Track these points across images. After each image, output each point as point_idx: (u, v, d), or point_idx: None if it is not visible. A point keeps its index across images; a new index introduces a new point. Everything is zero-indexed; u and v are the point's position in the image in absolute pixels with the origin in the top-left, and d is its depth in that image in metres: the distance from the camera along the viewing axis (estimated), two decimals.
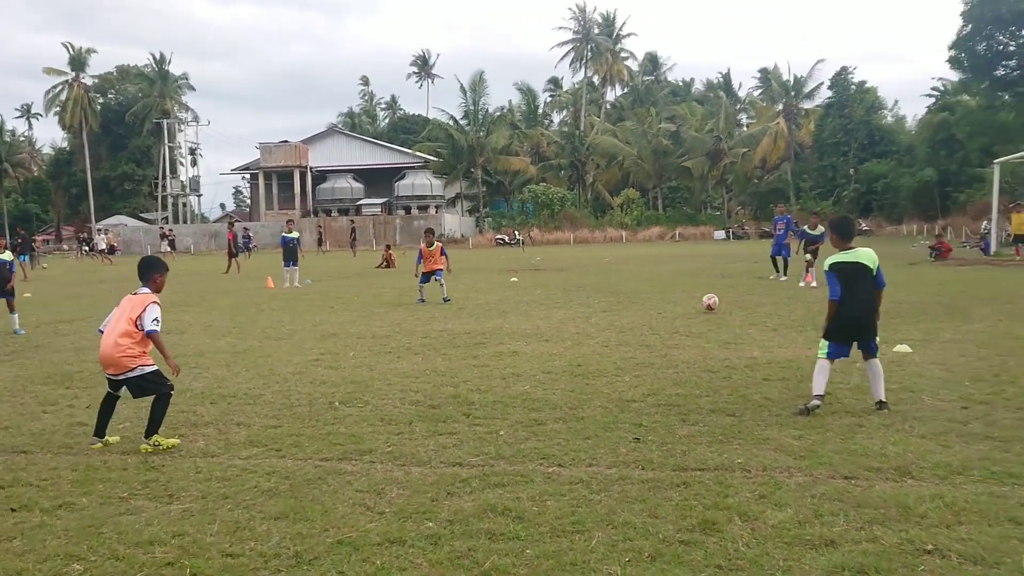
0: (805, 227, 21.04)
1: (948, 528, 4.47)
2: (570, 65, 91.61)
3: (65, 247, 74.38)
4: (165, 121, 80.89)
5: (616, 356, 10.26)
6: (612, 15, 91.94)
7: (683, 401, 7.63)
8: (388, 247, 36.80)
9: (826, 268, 7.28)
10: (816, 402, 7.00)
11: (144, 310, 6.51)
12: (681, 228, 67.94)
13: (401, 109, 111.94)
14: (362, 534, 4.59)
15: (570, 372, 9.25)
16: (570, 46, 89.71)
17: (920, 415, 6.87)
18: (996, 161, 32.21)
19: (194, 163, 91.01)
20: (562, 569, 4.12)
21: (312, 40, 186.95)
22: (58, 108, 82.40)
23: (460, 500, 5.13)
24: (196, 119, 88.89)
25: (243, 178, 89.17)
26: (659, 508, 4.89)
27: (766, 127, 74.73)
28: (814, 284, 18.75)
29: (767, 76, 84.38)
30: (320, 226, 58.13)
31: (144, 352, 6.54)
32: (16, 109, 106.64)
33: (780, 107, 79.41)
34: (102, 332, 6.63)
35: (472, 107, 71.57)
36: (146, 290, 6.72)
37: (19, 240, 40.39)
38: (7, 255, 14.82)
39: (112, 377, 6.59)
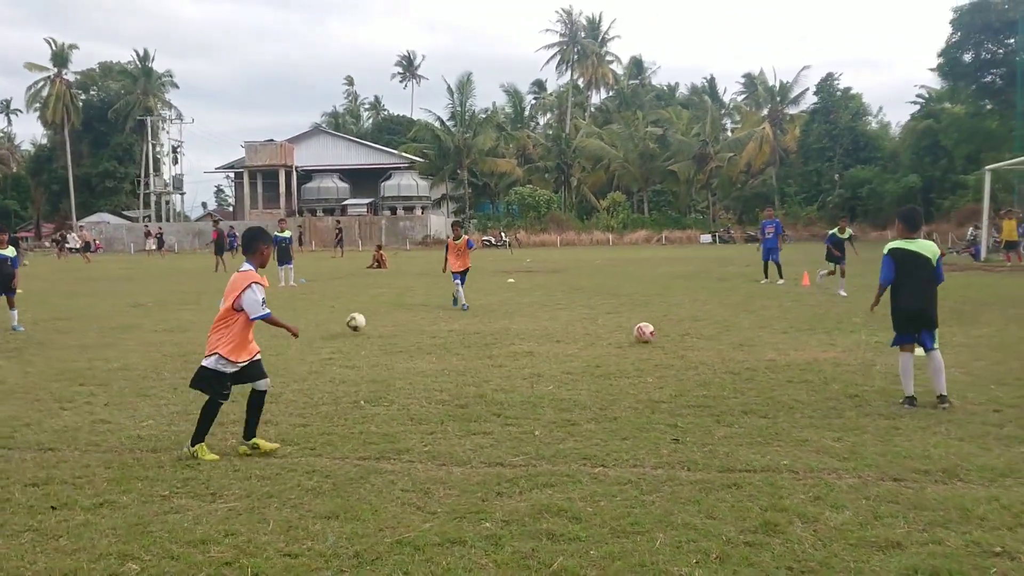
0: (835, 231, 19.20)
1: (1010, 530, 4.47)
2: (556, 68, 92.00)
3: (47, 244, 73.38)
4: (148, 118, 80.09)
5: (632, 357, 10.22)
6: (598, 18, 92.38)
7: (712, 403, 7.60)
8: (379, 247, 36.62)
9: (885, 251, 7.44)
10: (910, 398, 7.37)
11: (241, 293, 5.99)
12: (667, 232, 67.86)
13: (385, 110, 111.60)
14: (420, 534, 4.52)
15: (590, 373, 9.21)
16: (556, 49, 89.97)
17: (952, 418, 6.88)
18: (988, 167, 32.42)
19: (176, 161, 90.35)
20: (631, 570, 4.07)
21: (293, 39, 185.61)
22: (39, 104, 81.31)
23: (512, 501, 5.07)
24: (180, 117, 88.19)
25: (227, 177, 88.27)
26: (715, 509, 4.85)
27: (752, 132, 74.98)
28: (843, 293, 17.46)
29: (752, 81, 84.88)
30: (300, 227, 57.75)
31: (222, 340, 5.98)
32: None
33: (765, 112, 79.83)
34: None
35: (459, 108, 71.32)
36: (248, 266, 6.18)
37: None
38: (10, 250, 14.01)
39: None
